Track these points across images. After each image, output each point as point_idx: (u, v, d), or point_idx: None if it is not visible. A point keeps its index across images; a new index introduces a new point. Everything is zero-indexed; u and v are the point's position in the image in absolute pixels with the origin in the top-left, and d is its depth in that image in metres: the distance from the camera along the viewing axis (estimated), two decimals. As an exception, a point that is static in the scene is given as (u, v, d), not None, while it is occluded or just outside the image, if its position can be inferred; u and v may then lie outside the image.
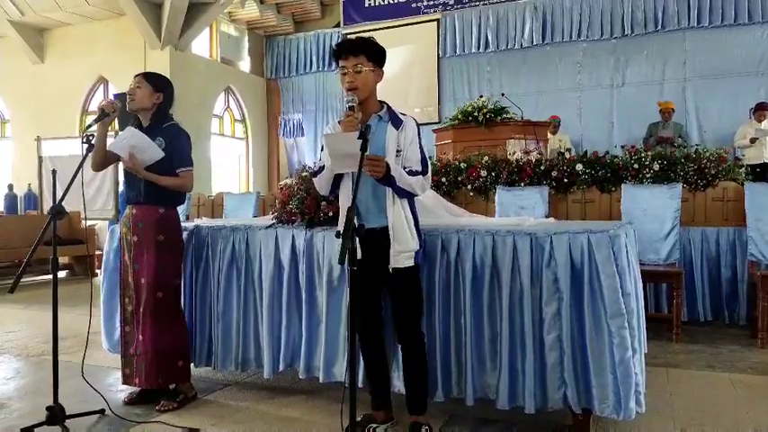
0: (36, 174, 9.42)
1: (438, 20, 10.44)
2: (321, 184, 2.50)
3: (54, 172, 2.84)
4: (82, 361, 2.84)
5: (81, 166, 2.65)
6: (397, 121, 2.41)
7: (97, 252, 8.44)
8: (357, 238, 1.97)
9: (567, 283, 2.39)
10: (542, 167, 5.09)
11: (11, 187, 10.80)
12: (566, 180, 5.00)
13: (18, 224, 8.30)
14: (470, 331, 2.54)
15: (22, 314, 5.60)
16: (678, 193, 4.43)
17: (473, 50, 10.17)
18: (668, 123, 7.94)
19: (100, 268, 4.37)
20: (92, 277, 7.91)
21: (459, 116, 6.17)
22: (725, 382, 3.25)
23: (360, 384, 2.65)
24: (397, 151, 2.37)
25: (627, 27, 9.20)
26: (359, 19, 11.04)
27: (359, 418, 2.46)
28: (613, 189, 4.90)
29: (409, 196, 2.39)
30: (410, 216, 2.40)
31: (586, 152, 5.33)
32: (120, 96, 3.78)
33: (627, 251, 2.44)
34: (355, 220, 1.95)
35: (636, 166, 4.87)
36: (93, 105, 10.46)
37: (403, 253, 2.35)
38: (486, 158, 5.26)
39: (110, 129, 2.99)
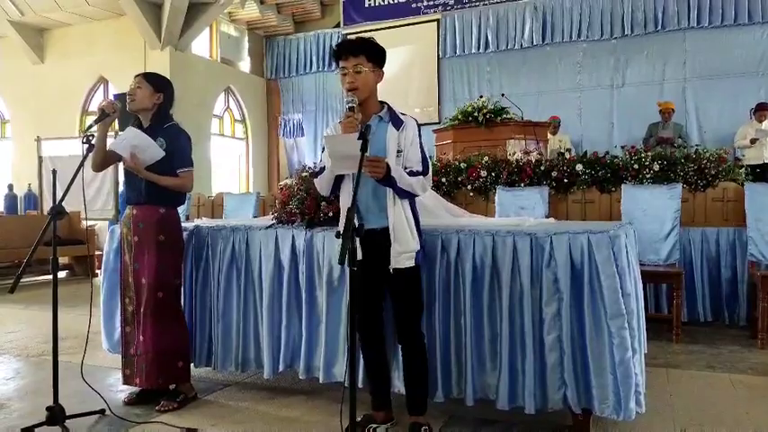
0: (36, 174, 9.44)
1: (438, 20, 10.44)
2: (322, 185, 2.50)
3: (54, 172, 2.84)
4: (81, 361, 2.84)
5: (81, 166, 2.65)
6: (397, 122, 2.41)
7: (97, 252, 8.44)
8: (357, 239, 1.97)
9: (566, 284, 2.39)
10: (542, 168, 5.09)
11: (11, 187, 10.80)
12: (566, 180, 5.01)
13: (18, 224, 8.30)
14: (470, 331, 2.54)
15: (22, 314, 5.60)
16: (678, 193, 4.43)
17: (473, 51, 10.16)
18: (668, 124, 7.94)
19: (100, 268, 4.37)
20: (92, 277, 7.91)
21: (459, 116, 6.17)
22: (725, 382, 3.25)
23: (360, 384, 2.65)
24: (398, 152, 2.37)
25: (627, 27, 9.19)
26: (359, 19, 11.04)
27: (359, 419, 2.46)
28: (613, 189, 4.90)
29: (410, 197, 2.39)
30: (411, 216, 2.40)
31: (586, 152, 5.33)
32: (121, 97, 3.78)
33: (627, 251, 2.44)
34: (355, 220, 1.95)
35: (636, 166, 4.87)
36: (94, 105, 10.47)
37: (404, 253, 2.35)
38: (486, 159, 5.26)
39: (110, 129, 2.99)
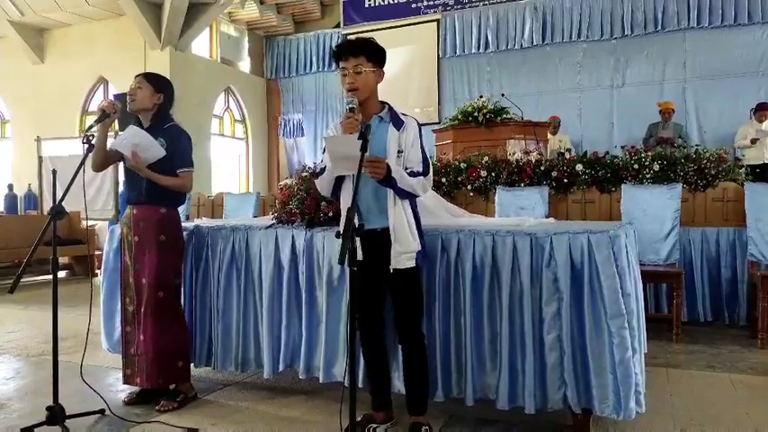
0: (36, 174, 9.43)
1: (438, 20, 10.44)
2: (323, 186, 2.50)
3: (54, 172, 2.84)
4: (81, 361, 2.84)
5: (81, 166, 2.65)
6: (398, 122, 2.41)
7: (97, 252, 8.44)
8: (357, 239, 1.97)
9: (566, 284, 2.39)
10: (542, 168, 5.09)
11: (11, 187, 10.80)
12: (566, 180, 5.01)
13: (18, 224, 8.29)
14: (470, 331, 2.54)
15: (22, 314, 5.60)
16: (678, 193, 4.43)
17: (473, 51, 10.17)
18: (668, 124, 7.94)
19: (100, 268, 4.37)
20: (92, 277, 7.90)
21: (459, 116, 6.17)
22: (725, 382, 3.25)
23: (360, 384, 2.65)
24: (399, 152, 2.36)
25: (627, 27, 9.20)
26: (359, 19, 11.04)
27: (359, 418, 2.47)
28: (613, 189, 4.91)
29: (410, 197, 2.39)
30: (411, 217, 2.40)
31: (586, 152, 5.33)
32: (121, 97, 3.78)
33: (627, 251, 2.45)
34: (355, 220, 1.95)
35: (636, 166, 4.87)
36: (94, 105, 10.47)
37: (404, 254, 2.35)
38: (486, 159, 5.26)
39: (110, 129, 3.00)
